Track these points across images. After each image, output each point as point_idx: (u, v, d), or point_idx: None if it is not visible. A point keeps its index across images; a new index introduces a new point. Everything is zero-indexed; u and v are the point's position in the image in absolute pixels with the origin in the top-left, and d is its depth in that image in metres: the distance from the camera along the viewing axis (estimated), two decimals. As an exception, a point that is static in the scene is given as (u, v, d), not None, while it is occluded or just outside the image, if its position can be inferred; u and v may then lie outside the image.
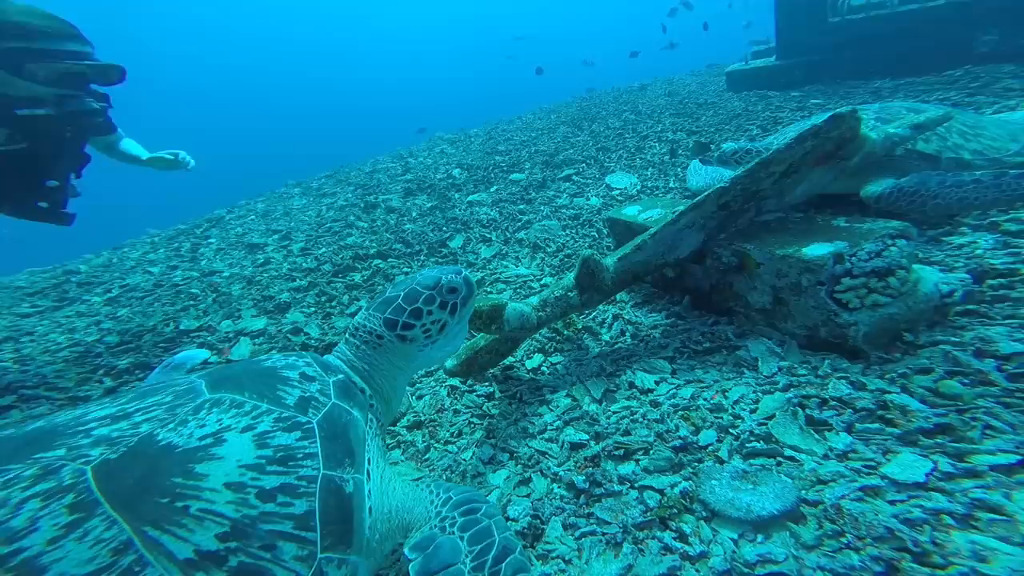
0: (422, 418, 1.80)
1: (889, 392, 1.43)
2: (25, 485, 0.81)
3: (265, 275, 3.58)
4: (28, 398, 2.42)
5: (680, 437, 1.46)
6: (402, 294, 1.29)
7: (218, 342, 2.73)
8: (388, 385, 1.33)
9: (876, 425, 1.35)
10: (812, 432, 1.38)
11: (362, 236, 3.94)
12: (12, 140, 2.43)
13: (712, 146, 4.25)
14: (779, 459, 1.33)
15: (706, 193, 1.87)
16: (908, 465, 1.22)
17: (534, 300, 1.86)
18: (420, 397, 1.93)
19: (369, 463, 1.11)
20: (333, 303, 2.95)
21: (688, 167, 3.62)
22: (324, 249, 3.80)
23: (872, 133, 2.22)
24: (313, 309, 2.91)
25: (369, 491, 1.06)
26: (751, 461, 1.34)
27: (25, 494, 0.80)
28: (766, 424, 1.44)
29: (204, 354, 2.58)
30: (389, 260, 3.37)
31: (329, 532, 0.94)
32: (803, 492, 1.21)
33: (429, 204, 4.38)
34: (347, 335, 1.34)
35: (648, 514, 1.24)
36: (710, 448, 1.42)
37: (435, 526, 1.06)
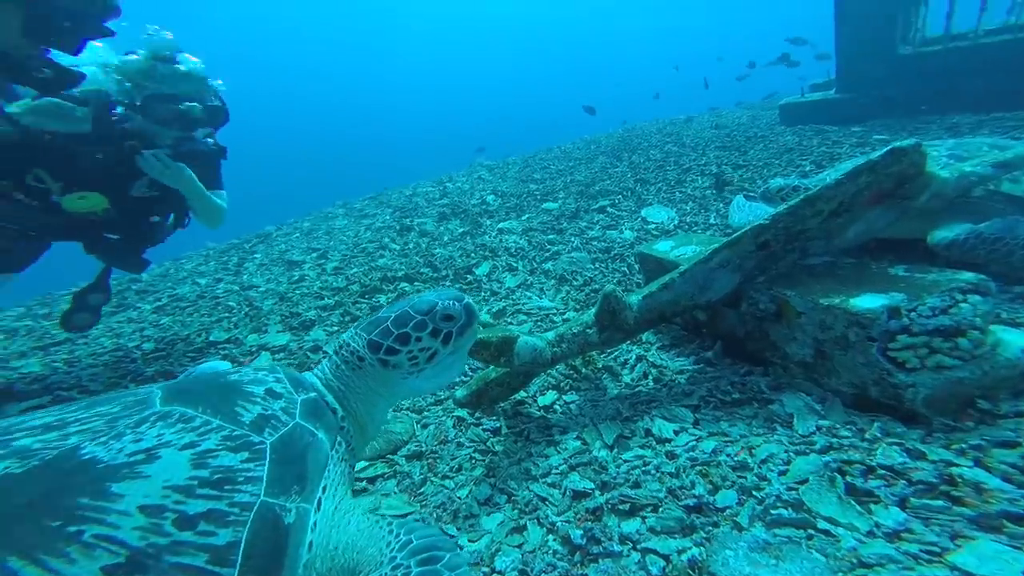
0: (423, 448, 1.71)
1: (957, 465, 1.22)
2: None
3: (297, 292, 3.66)
4: (63, 399, 2.51)
5: (695, 495, 1.29)
6: (392, 316, 1.20)
7: (241, 355, 2.77)
8: (364, 410, 1.23)
9: (939, 502, 1.14)
10: (854, 503, 1.19)
11: (393, 258, 3.98)
12: (152, 187, 2.64)
13: (733, 181, 4.07)
14: (810, 531, 1.15)
15: (744, 230, 1.74)
16: (991, 556, 1.01)
17: (550, 335, 1.76)
18: (425, 426, 1.84)
19: (324, 491, 1.01)
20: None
21: (731, 203, 3.47)
22: (355, 269, 3.86)
23: (943, 171, 1.99)
24: (336, 328, 2.92)
25: (314, 523, 0.95)
26: (775, 531, 1.16)
27: None
28: (797, 489, 1.26)
29: (225, 366, 2.63)
30: (415, 283, 3.36)
31: (250, 568, 0.82)
32: (840, 575, 1.03)
33: (461, 229, 4.38)
34: (332, 352, 1.27)
35: (649, 584, 1.09)
36: (728, 511, 1.25)
37: (386, 574, 0.93)
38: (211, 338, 3.09)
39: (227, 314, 3.53)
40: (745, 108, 8.81)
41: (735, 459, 1.42)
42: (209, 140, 2.84)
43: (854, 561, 1.05)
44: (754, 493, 1.28)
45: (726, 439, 1.52)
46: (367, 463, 1.66)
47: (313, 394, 1.16)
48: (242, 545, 0.82)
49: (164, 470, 0.84)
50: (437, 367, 1.23)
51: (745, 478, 1.34)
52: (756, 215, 3.05)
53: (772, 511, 1.21)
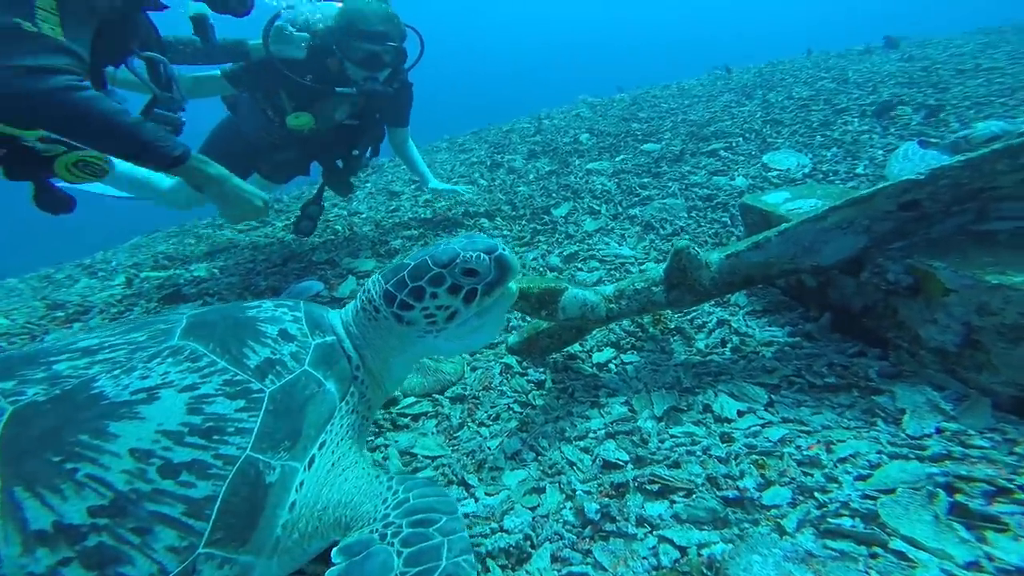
0: (467, 392, 1.72)
1: None
2: None
3: (391, 221, 3.83)
4: (208, 304, 2.90)
5: (739, 487, 1.14)
6: (411, 265, 1.09)
7: (333, 277, 2.99)
8: (379, 366, 1.16)
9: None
10: (958, 527, 0.97)
11: (478, 194, 3.94)
12: (352, 116, 3.04)
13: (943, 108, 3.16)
14: (876, 551, 0.96)
15: (881, 186, 1.40)
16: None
17: (608, 289, 1.63)
18: (474, 369, 1.85)
19: (322, 447, 0.97)
20: (432, 256, 3.00)
21: (896, 150, 2.79)
22: (443, 203, 3.90)
23: None
24: (416, 259, 3.01)
25: (301, 482, 0.91)
26: (827, 542, 0.99)
27: None
28: (875, 499, 1.06)
29: (318, 286, 2.86)
30: (496, 220, 3.32)
31: (224, 525, 0.80)
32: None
33: (548, 168, 4.16)
34: (360, 291, 1.19)
35: (654, 573, 1.00)
36: (774, 511, 1.09)
37: (376, 530, 0.91)
38: (314, 258, 3.36)
39: (332, 236, 3.81)
40: (982, 33, 6.60)
41: (804, 453, 1.22)
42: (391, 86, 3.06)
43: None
44: (816, 495, 1.10)
45: (802, 428, 1.32)
46: (414, 399, 1.72)
47: (330, 338, 1.10)
48: (218, 501, 0.81)
49: (160, 413, 0.84)
50: (461, 328, 1.11)
51: (811, 476, 1.16)
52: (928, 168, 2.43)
53: (831, 519, 1.03)
